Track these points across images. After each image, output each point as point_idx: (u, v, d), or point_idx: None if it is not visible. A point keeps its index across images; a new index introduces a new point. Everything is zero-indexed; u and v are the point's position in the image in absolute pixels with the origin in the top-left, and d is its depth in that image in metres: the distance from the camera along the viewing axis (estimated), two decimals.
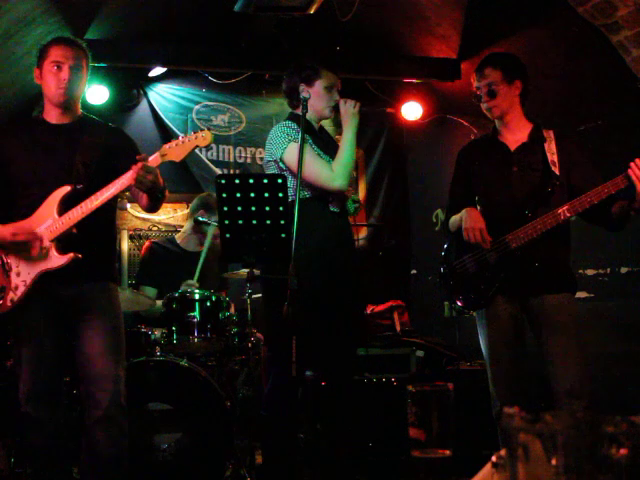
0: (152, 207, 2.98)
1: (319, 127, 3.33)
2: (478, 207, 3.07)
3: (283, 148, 3.11)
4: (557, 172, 2.95)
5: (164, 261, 4.32)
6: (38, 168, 2.84)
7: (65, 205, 2.76)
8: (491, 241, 2.97)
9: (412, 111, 5.93)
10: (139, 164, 2.63)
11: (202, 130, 2.71)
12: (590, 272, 4.32)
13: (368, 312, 4.93)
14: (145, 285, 4.26)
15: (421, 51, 5.38)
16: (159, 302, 3.94)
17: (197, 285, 3.99)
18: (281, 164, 3.14)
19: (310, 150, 3.11)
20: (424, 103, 5.88)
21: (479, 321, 3.08)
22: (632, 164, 2.69)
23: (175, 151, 2.70)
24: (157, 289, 4.21)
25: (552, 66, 4.27)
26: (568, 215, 2.85)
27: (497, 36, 4.56)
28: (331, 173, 3.09)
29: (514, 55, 3.18)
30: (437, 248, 3.37)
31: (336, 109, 3.25)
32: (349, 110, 3.20)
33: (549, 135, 3.03)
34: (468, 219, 2.98)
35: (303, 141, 3.00)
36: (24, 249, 2.77)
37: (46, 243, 2.76)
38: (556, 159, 2.97)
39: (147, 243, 4.56)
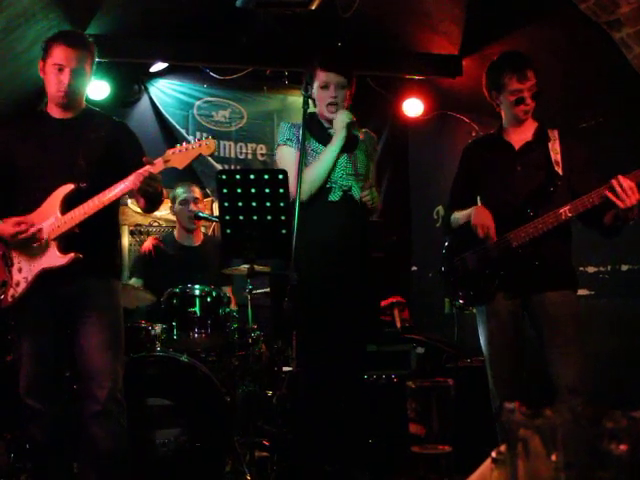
0: (150, 208, 3.05)
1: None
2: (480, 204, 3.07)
3: (275, 151, 3.34)
4: (560, 172, 2.94)
5: (163, 264, 4.34)
6: (40, 163, 2.84)
7: (68, 204, 2.77)
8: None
9: (413, 108, 5.92)
10: (143, 171, 2.64)
11: (207, 138, 2.75)
12: (591, 269, 4.31)
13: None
14: (135, 277, 4.34)
15: (422, 47, 5.37)
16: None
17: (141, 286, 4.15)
18: None
19: (292, 156, 3.12)
20: (425, 100, 5.87)
21: (479, 318, 3.08)
22: (613, 181, 2.70)
23: (178, 157, 2.71)
24: (143, 280, 4.29)
25: (554, 63, 4.25)
26: (569, 215, 2.85)
27: (499, 33, 4.55)
28: (294, 181, 3.01)
29: None
30: (438, 245, 3.36)
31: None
32: (338, 123, 3.16)
33: (553, 135, 3.02)
34: (479, 215, 2.98)
35: (304, 137, 3.01)
36: (26, 243, 2.78)
37: (48, 239, 2.77)
38: (559, 159, 2.97)
39: (152, 241, 4.51)
